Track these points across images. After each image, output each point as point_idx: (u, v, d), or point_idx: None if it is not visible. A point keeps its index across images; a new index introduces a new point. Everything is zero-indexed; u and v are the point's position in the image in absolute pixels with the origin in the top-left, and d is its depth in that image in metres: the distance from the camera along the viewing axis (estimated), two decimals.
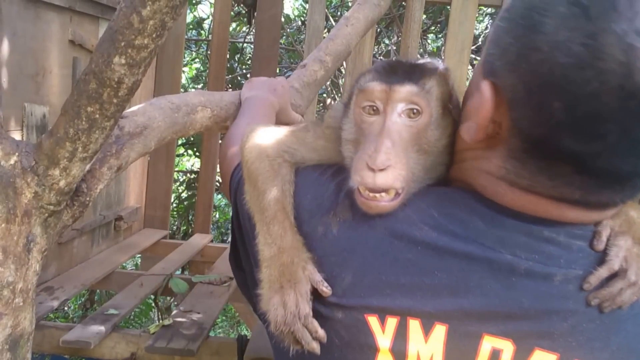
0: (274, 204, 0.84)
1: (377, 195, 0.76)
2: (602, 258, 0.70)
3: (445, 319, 0.69)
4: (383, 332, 0.71)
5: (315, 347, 0.73)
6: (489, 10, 4.95)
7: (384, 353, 0.70)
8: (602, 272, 0.69)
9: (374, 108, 0.82)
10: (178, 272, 3.01)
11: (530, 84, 0.64)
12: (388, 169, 0.77)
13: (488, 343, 0.69)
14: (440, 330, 0.69)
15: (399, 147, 0.79)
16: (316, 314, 0.74)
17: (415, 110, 0.81)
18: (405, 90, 0.80)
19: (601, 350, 0.68)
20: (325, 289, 0.74)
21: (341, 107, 0.93)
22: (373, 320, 0.71)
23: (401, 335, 0.70)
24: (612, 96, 0.59)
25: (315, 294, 0.75)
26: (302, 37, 3.81)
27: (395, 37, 4.52)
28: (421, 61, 0.89)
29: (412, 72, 0.83)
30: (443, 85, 0.84)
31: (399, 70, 0.83)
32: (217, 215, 5.42)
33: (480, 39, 4.85)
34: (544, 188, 0.69)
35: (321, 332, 0.74)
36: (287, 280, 0.77)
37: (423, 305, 0.70)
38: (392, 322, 0.70)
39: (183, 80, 4.82)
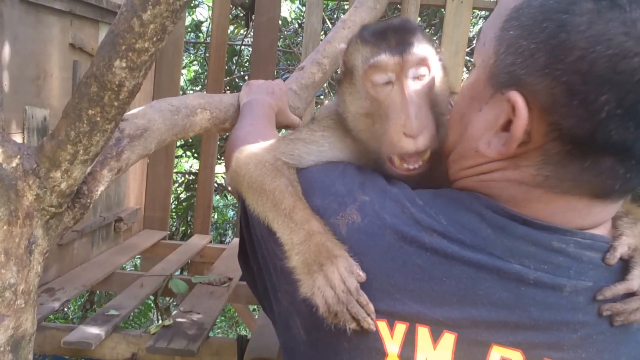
0: (290, 196, 0.84)
1: (412, 165, 0.84)
2: (612, 270, 0.70)
3: (454, 328, 0.69)
4: (392, 338, 0.70)
5: (371, 323, 0.70)
6: (483, 13, 4.97)
7: (392, 358, 0.70)
8: (620, 289, 0.69)
9: (387, 80, 0.87)
10: (178, 273, 3.02)
11: (571, 83, 0.63)
12: (423, 132, 0.83)
13: (497, 353, 0.68)
14: (449, 339, 0.69)
15: (422, 109, 0.85)
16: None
17: (423, 72, 0.87)
18: (415, 57, 0.86)
19: None
20: (361, 273, 0.71)
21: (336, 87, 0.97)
22: (382, 325, 0.71)
23: (410, 341, 0.70)
24: None
25: None
26: (299, 39, 3.82)
27: None
28: (399, 21, 0.94)
29: (407, 37, 0.88)
30: (428, 38, 0.90)
31: (396, 37, 0.88)
32: (216, 216, 5.42)
33: (474, 42, 4.86)
34: (588, 186, 0.68)
35: (371, 306, 0.70)
36: (326, 258, 0.74)
37: (432, 313, 0.69)
38: (400, 328, 0.70)
39: (182, 83, 4.83)
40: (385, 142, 0.86)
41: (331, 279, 0.72)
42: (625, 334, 0.69)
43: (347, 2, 2.97)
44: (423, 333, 0.69)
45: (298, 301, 0.76)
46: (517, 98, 0.68)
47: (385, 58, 0.86)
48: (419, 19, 4.51)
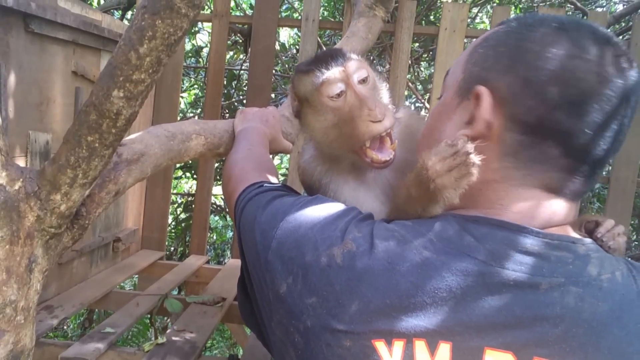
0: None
1: (386, 156, 1.02)
2: (578, 267, 0.74)
3: (448, 336, 0.70)
4: (391, 356, 0.71)
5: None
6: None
7: None
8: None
9: (340, 90, 1.03)
10: (175, 292, 3.03)
11: (527, 77, 0.76)
12: (385, 114, 1.01)
13: (491, 358, 0.70)
14: (444, 349, 0.70)
15: (376, 100, 1.03)
16: (325, 345, 0.74)
17: (364, 74, 1.05)
18: (353, 63, 1.05)
19: (595, 354, 0.70)
20: None
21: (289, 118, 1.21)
22: (380, 345, 0.71)
23: (408, 357, 0.70)
24: (593, 79, 0.74)
25: (325, 323, 0.75)
26: (297, 64, 3.90)
27: (388, 65, 4.62)
28: (327, 49, 1.19)
29: (338, 53, 1.07)
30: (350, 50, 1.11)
31: (330, 57, 1.06)
32: (214, 237, 5.43)
33: None
34: (537, 176, 0.78)
35: None
36: None
37: (427, 324, 0.71)
38: (398, 345, 0.71)
39: (182, 106, 4.90)
40: (357, 136, 1.02)
41: None
42: (602, 325, 0.71)
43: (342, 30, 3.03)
44: (420, 347, 0.70)
45: (291, 332, 0.78)
46: (481, 89, 0.79)
47: (332, 73, 1.04)
48: (416, 44, 4.60)
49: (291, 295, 0.79)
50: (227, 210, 4.91)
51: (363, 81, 1.05)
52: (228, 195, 1.16)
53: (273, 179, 1.14)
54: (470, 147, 0.76)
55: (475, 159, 0.75)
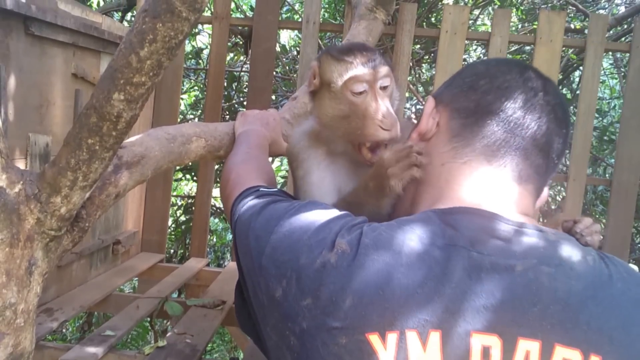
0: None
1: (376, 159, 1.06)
2: (548, 249, 0.80)
3: (437, 325, 0.73)
4: (385, 350, 0.72)
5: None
6: (475, 43, 5.06)
7: None
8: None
9: (363, 89, 1.12)
10: (175, 295, 3.03)
11: (465, 82, 0.96)
12: (394, 125, 1.10)
13: (477, 341, 0.72)
14: (435, 337, 0.72)
15: (389, 109, 1.12)
16: (321, 345, 0.75)
17: (387, 83, 1.14)
18: (384, 71, 1.13)
19: (574, 330, 0.73)
20: None
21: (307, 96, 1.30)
22: (374, 339, 0.73)
23: (402, 349, 0.72)
24: (512, 77, 0.93)
25: (320, 322, 0.77)
26: (297, 66, 3.91)
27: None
28: (361, 43, 1.27)
29: (374, 55, 1.15)
30: (386, 58, 1.18)
31: (365, 55, 1.14)
32: (215, 240, 5.42)
33: None
34: (482, 150, 0.90)
35: None
36: None
37: (418, 315, 0.73)
38: (392, 337, 0.73)
39: (182, 107, 4.90)
40: (363, 134, 1.12)
41: None
42: (578, 303, 0.75)
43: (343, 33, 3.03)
44: (412, 337, 0.73)
45: (287, 335, 0.80)
46: (429, 97, 1.00)
47: (362, 72, 1.12)
48: (417, 46, 4.60)
49: (286, 299, 0.80)
50: None
51: (384, 88, 1.14)
52: (225, 200, 1.18)
53: (270, 183, 1.17)
54: (418, 147, 0.95)
55: (420, 157, 0.94)
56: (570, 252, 0.80)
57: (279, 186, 1.21)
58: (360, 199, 1.05)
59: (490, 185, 0.88)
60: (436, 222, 0.82)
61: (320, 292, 0.77)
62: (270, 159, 1.59)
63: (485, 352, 0.72)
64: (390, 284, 0.75)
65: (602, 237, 0.96)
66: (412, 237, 0.80)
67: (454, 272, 0.75)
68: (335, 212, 0.89)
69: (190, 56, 4.84)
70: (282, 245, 0.85)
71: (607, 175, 4.81)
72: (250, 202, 0.99)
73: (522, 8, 5.20)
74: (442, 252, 0.77)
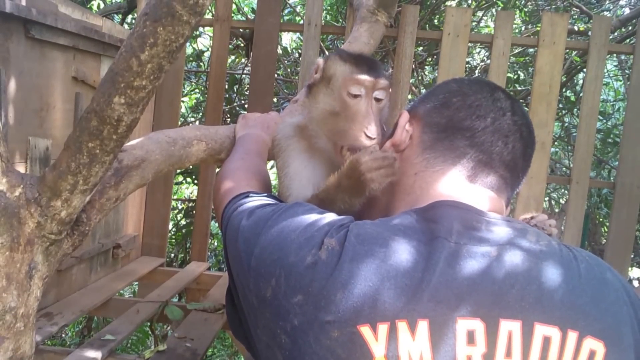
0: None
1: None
2: (516, 236, 0.85)
3: (424, 314, 0.75)
4: (376, 341, 0.74)
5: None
6: (478, 45, 5.06)
7: None
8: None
9: (359, 93, 1.17)
10: (175, 299, 3.02)
11: (439, 99, 1.02)
12: (377, 135, 1.15)
13: (462, 326, 0.75)
14: (423, 326, 0.75)
15: (377, 120, 1.17)
16: (313, 340, 0.77)
17: (383, 96, 1.19)
18: (383, 83, 1.18)
19: (550, 307, 0.77)
20: None
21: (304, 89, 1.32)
22: (366, 330, 0.75)
23: (392, 339, 0.74)
24: (482, 96, 1.00)
25: (312, 318, 0.78)
26: (299, 69, 3.92)
27: (391, 69, 4.63)
28: (373, 58, 1.33)
29: (378, 67, 1.21)
30: (387, 75, 1.23)
31: (370, 64, 1.20)
32: (215, 243, 5.42)
33: (477, 71, 4.93)
34: (453, 161, 0.96)
35: None
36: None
37: (407, 304, 0.76)
38: (383, 328, 0.75)
39: (183, 110, 4.90)
40: (346, 135, 1.16)
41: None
42: (552, 282, 0.79)
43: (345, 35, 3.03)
44: (402, 327, 0.75)
45: (277, 334, 0.81)
46: (403, 112, 1.06)
47: (363, 77, 1.17)
48: (420, 48, 4.60)
49: (276, 297, 0.82)
50: None
51: (378, 100, 1.19)
52: (217, 207, 1.20)
53: (264, 187, 1.21)
54: (395, 155, 1.01)
55: (396, 164, 1.00)
56: (537, 236, 0.86)
57: None
58: (332, 197, 1.09)
59: (464, 187, 0.95)
60: (416, 218, 0.87)
61: (311, 287, 0.79)
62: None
63: (470, 335, 0.75)
64: (379, 277, 0.78)
65: (557, 230, 1.12)
66: (397, 232, 0.84)
67: (438, 263, 0.79)
68: (321, 212, 0.92)
69: (191, 59, 4.85)
70: (271, 245, 0.87)
71: (611, 178, 4.80)
72: (239, 207, 1.01)
73: (525, 10, 5.20)
74: (425, 246, 0.81)
